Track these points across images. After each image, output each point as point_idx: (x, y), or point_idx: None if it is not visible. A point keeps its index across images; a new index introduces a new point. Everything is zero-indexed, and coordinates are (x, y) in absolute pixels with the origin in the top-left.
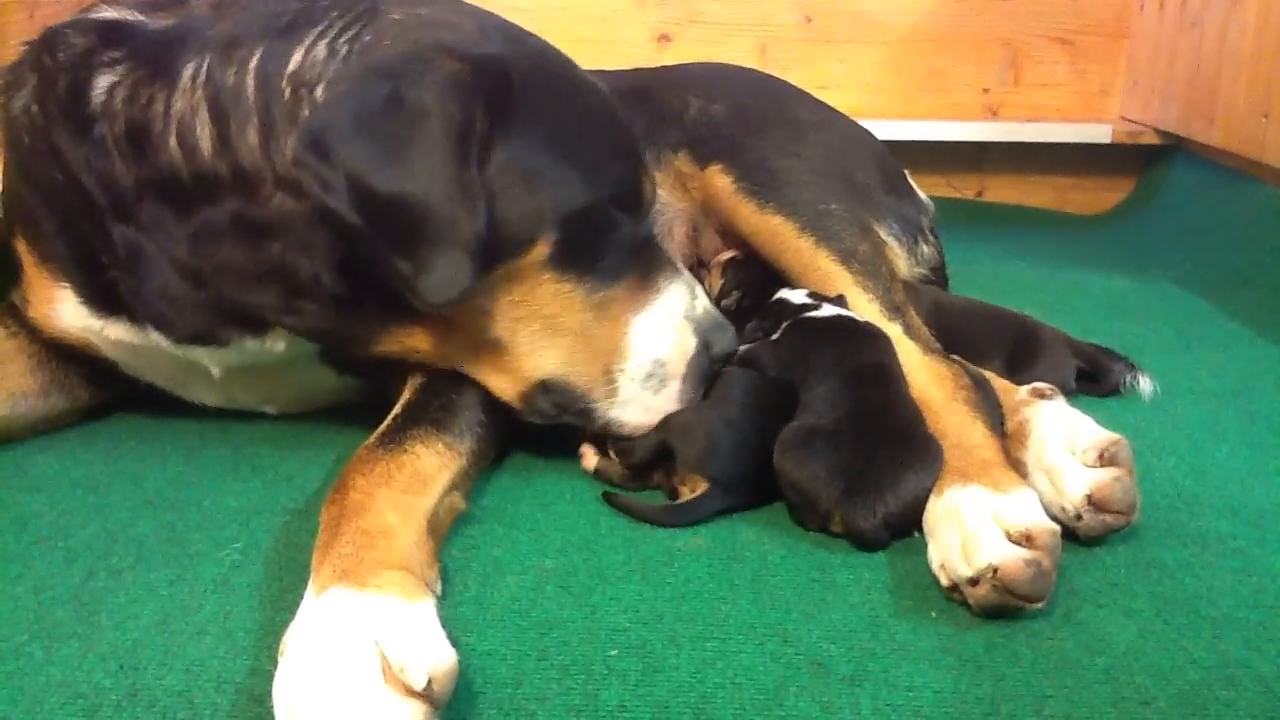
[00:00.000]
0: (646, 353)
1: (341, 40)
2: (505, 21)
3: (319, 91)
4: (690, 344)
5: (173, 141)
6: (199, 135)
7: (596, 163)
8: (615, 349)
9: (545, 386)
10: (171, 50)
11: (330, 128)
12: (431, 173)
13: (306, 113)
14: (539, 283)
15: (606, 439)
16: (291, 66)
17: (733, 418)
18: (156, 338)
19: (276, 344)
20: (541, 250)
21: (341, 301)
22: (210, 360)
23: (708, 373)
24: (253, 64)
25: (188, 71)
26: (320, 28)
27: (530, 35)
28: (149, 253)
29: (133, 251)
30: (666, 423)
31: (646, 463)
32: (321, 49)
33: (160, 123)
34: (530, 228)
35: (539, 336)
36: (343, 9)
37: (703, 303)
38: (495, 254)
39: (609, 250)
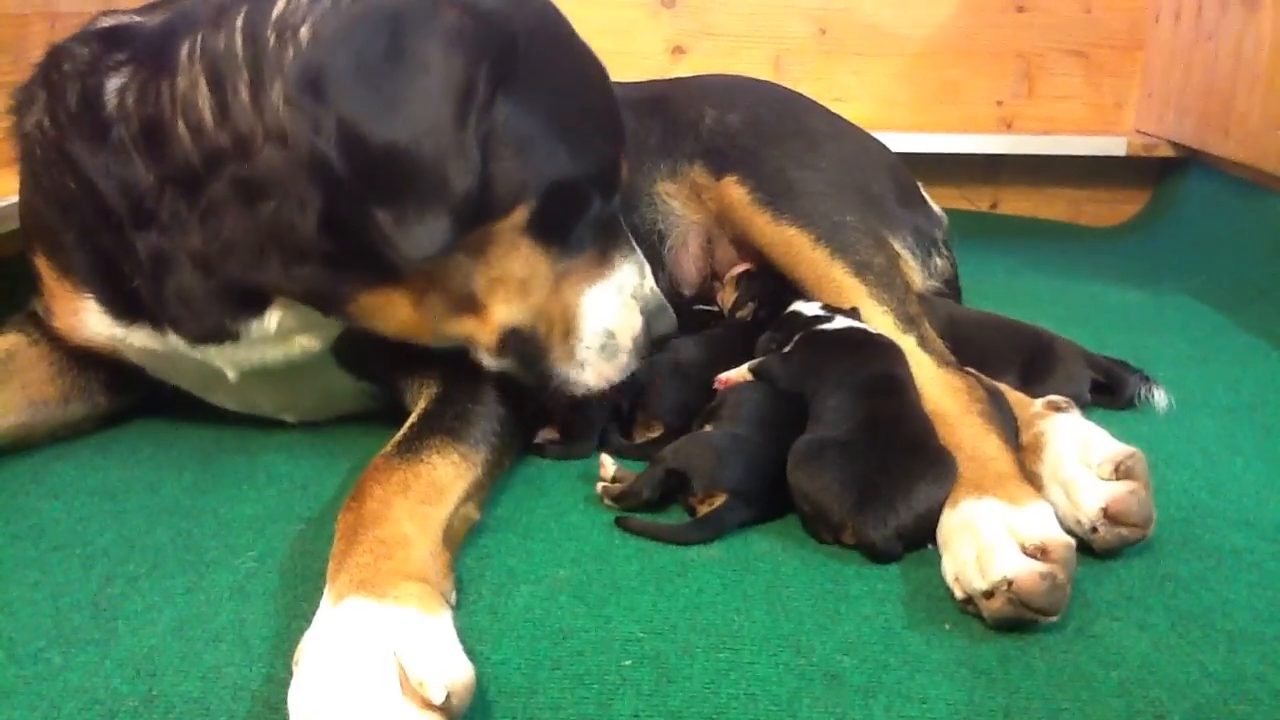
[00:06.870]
0: (598, 322)
1: None
2: None
3: (303, 32)
4: (636, 321)
5: (181, 125)
6: (202, 110)
7: (585, 140)
8: (571, 316)
9: (516, 333)
10: (169, 40)
11: (327, 70)
12: (427, 128)
13: (291, 54)
14: (514, 247)
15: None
16: (275, 13)
17: (739, 432)
18: (175, 340)
19: (272, 321)
20: (519, 216)
21: (331, 260)
22: (224, 361)
23: (646, 350)
24: (239, 21)
25: (184, 51)
26: None
27: None
28: (168, 253)
29: (155, 256)
30: (667, 454)
31: (659, 496)
32: None
33: (169, 110)
34: (514, 194)
35: (511, 295)
36: None
37: (649, 283)
38: (477, 215)
39: (578, 225)
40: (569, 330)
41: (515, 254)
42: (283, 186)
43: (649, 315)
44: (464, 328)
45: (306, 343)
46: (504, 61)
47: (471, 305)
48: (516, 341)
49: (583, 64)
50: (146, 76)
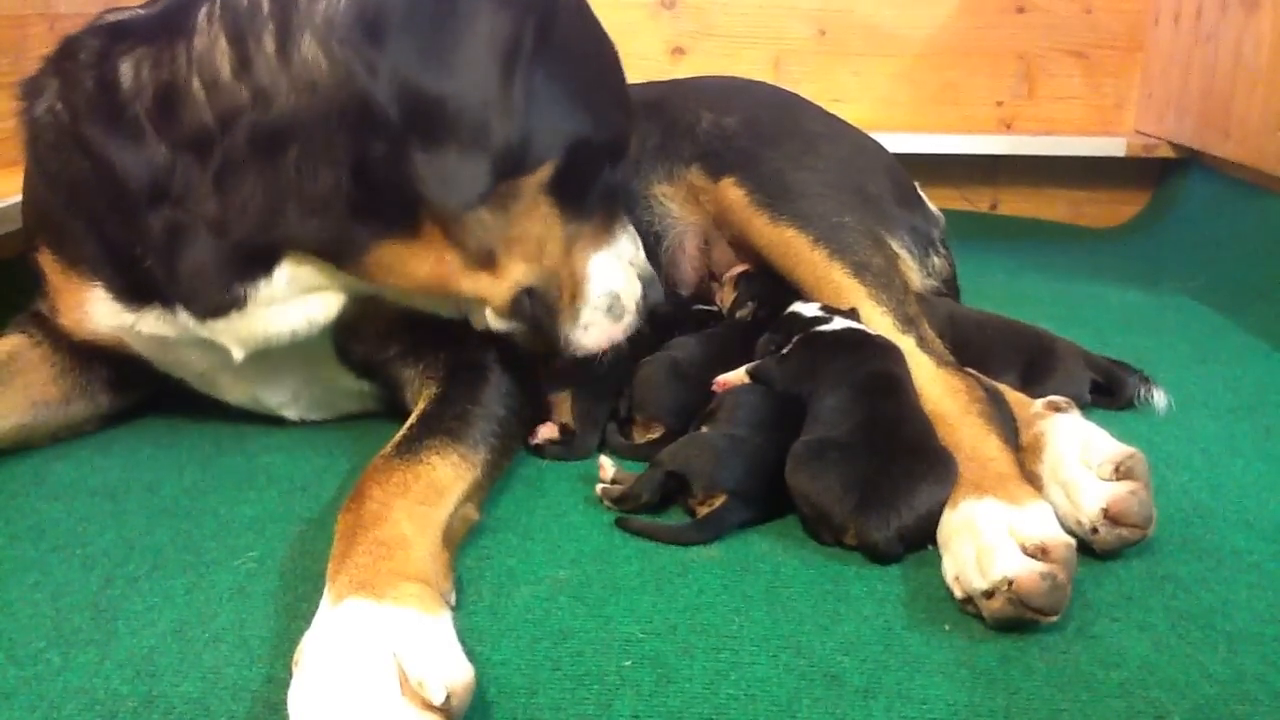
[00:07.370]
0: (604, 286)
1: None
2: None
3: None
4: (636, 287)
5: (196, 83)
6: (219, 65)
7: (604, 105)
8: (579, 280)
9: (530, 291)
10: (184, 11)
11: (385, 15)
12: (477, 78)
13: (323, 6)
14: (535, 204)
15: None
16: None
17: (737, 434)
18: (184, 318)
19: (281, 279)
20: (544, 174)
21: (355, 206)
22: (231, 338)
23: (645, 314)
24: None
25: (201, 16)
26: None
27: None
28: (182, 224)
29: (169, 230)
30: (666, 456)
31: (659, 499)
32: None
33: (184, 71)
34: (543, 150)
35: (528, 254)
36: None
37: (642, 255)
38: (512, 168)
39: (590, 189)
40: (576, 293)
41: (535, 212)
42: (308, 135)
43: (644, 284)
44: (478, 285)
45: (312, 311)
46: (547, 22)
47: (488, 262)
48: (528, 301)
49: (602, 34)
50: (160, 48)
